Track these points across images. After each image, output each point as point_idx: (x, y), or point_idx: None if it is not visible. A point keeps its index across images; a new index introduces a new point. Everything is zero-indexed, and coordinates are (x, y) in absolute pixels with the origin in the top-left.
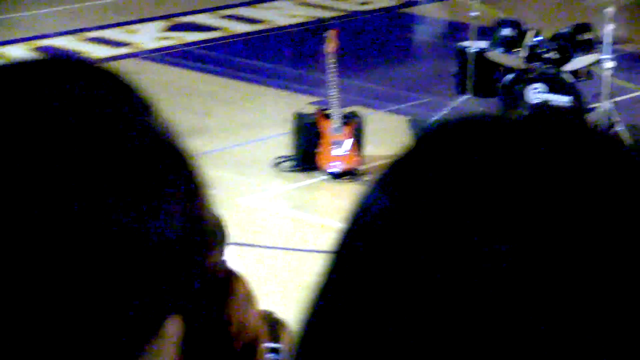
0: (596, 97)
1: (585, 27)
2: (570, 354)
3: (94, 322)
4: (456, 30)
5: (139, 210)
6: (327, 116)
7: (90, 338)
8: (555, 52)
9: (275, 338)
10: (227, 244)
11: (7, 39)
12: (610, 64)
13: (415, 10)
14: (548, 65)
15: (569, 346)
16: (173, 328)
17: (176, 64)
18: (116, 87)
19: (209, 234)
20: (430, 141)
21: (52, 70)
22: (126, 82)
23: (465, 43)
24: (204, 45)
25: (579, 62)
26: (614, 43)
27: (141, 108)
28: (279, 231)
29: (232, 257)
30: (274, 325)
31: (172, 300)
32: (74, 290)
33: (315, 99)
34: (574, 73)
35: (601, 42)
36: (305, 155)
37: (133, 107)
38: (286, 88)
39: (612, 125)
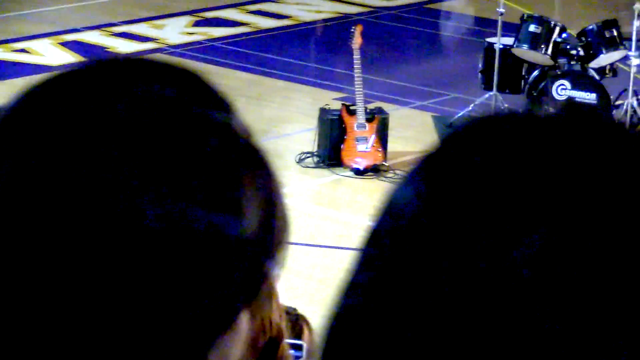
0: (622, 94)
1: (612, 24)
2: (606, 342)
3: (177, 313)
4: (482, 26)
5: (222, 209)
6: (352, 112)
7: (172, 328)
8: (582, 48)
9: (297, 334)
10: None
11: (33, 33)
12: (636, 61)
13: (442, 6)
14: (574, 62)
15: (603, 336)
16: (245, 321)
17: (202, 59)
18: (199, 87)
19: (282, 231)
20: (459, 138)
21: (137, 70)
22: (208, 82)
23: (492, 39)
24: (230, 40)
25: (605, 58)
26: None
27: (222, 107)
28: (303, 227)
29: None
30: (296, 322)
31: (246, 295)
32: (160, 283)
33: (340, 94)
34: (600, 70)
35: (628, 39)
36: (330, 151)
37: (215, 106)
38: (311, 83)
39: (637, 123)
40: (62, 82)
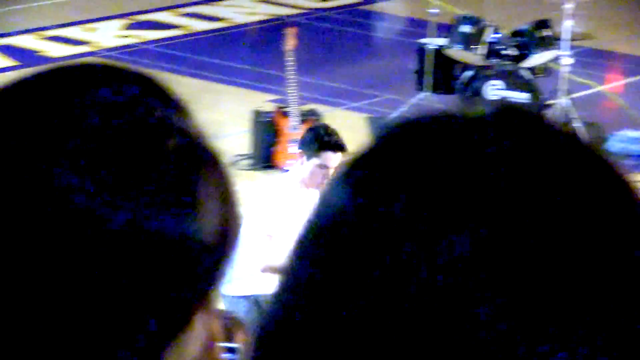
0: (554, 93)
1: (544, 24)
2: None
3: (135, 313)
4: (416, 27)
5: (173, 209)
6: (286, 114)
7: (129, 327)
8: (514, 48)
9: (232, 338)
10: None
11: None
12: (568, 61)
13: (375, 7)
14: (506, 62)
15: (535, 337)
16: (200, 321)
17: (136, 62)
18: (155, 90)
19: (235, 232)
20: (391, 138)
21: (94, 74)
22: (163, 85)
23: (425, 40)
24: (164, 43)
25: (537, 58)
26: (573, 39)
27: (179, 109)
28: None
29: None
30: (231, 325)
31: (202, 295)
32: (119, 283)
33: (274, 96)
34: (533, 69)
35: (560, 39)
36: (263, 153)
37: (172, 108)
38: (245, 86)
39: (569, 122)
40: (19, 89)
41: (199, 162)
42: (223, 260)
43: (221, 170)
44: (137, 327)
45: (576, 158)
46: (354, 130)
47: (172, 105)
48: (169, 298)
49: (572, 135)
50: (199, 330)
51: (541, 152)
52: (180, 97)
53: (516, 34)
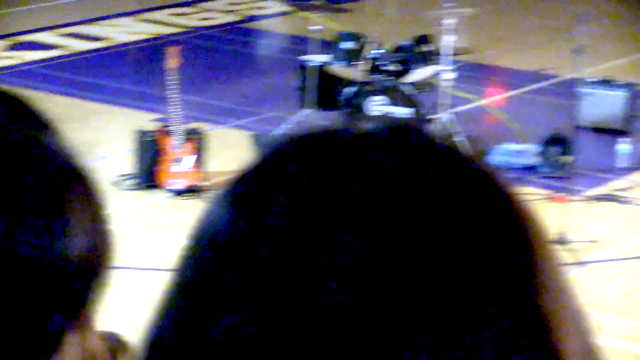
0: (436, 108)
1: (424, 39)
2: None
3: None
4: (298, 44)
5: (43, 229)
6: (169, 133)
7: None
8: (396, 64)
9: (116, 358)
10: None
11: None
12: (449, 75)
13: (257, 25)
14: (389, 78)
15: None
16: (71, 344)
17: (17, 84)
18: (22, 110)
19: (106, 254)
20: (272, 156)
21: None
22: (30, 105)
23: (307, 57)
24: (45, 64)
25: (419, 73)
26: (454, 54)
27: (46, 129)
28: (122, 250)
29: None
30: (116, 347)
31: (71, 318)
32: None
33: (157, 115)
34: (415, 85)
35: (441, 54)
36: (147, 173)
37: (38, 128)
38: (128, 105)
39: (451, 136)
40: None
41: (68, 182)
42: (95, 279)
43: (91, 190)
44: (6, 350)
45: (456, 170)
46: (238, 147)
47: (42, 126)
48: (38, 319)
49: (453, 148)
50: (72, 351)
51: (421, 165)
52: (51, 117)
53: (398, 49)
